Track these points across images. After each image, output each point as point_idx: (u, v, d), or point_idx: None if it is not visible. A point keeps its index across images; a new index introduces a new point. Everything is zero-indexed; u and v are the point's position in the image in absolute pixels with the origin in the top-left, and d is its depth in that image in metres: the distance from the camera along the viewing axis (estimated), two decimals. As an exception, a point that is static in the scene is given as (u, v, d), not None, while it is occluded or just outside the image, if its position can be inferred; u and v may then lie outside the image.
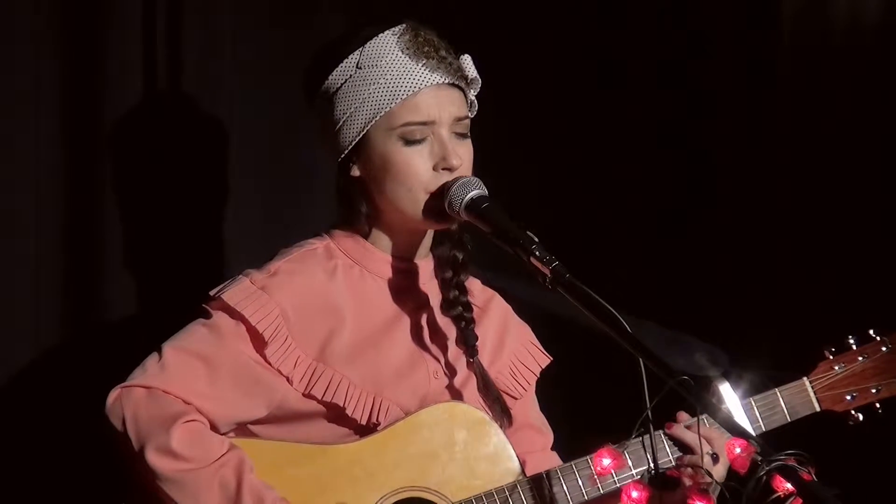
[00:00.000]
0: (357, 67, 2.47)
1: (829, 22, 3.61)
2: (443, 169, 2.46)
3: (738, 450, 2.15)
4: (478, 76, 2.55)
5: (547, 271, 2.29)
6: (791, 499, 2.07)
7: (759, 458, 2.05)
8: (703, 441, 2.41)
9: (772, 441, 2.14)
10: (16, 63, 2.91)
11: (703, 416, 2.44)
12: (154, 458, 2.31)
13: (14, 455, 2.88)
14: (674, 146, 3.59)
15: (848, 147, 3.56)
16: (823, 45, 3.62)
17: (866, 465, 3.25)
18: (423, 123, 2.46)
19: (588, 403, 3.32)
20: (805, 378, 2.57)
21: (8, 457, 2.89)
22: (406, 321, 2.55)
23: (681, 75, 3.60)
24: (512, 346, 2.67)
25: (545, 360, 2.70)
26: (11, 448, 2.89)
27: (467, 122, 2.52)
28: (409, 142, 2.46)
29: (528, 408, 2.69)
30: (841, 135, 3.57)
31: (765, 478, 2.04)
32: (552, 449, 2.69)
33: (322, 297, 2.49)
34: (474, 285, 2.65)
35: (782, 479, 2.05)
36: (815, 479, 2.03)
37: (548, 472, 2.47)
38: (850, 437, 2.65)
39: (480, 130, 2.57)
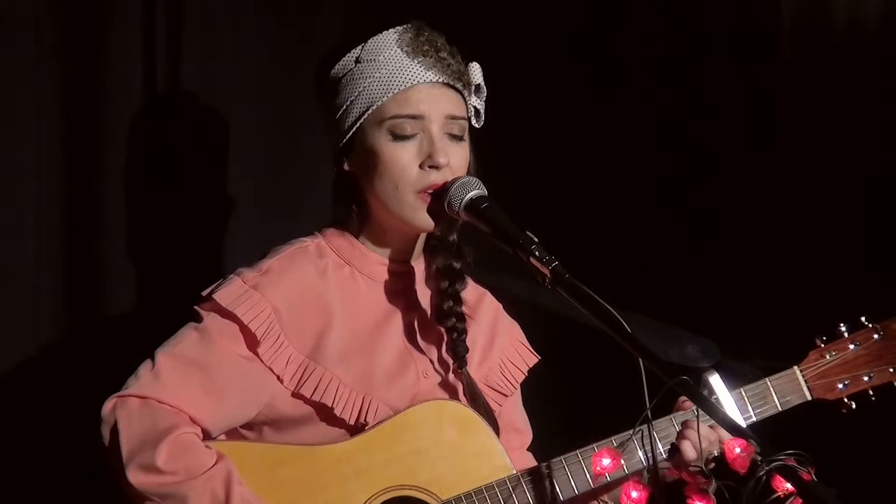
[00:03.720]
0: (356, 62, 2.49)
1: (829, 22, 3.62)
2: (429, 167, 2.46)
3: (737, 450, 2.15)
4: (483, 85, 2.55)
5: (546, 271, 2.29)
6: (791, 499, 2.07)
7: (759, 458, 2.05)
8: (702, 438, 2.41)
9: (767, 436, 2.13)
10: (16, 63, 2.91)
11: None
12: (140, 477, 2.31)
13: (14, 455, 2.88)
14: (674, 146, 3.60)
15: (847, 146, 3.56)
16: (823, 45, 3.62)
17: (865, 458, 3.26)
18: (412, 117, 2.46)
19: (584, 399, 3.32)
20: (795, 367, 2.56)
21: (8, 457, 2.89)
22: (396, 321, 2.56)
23: (681, 75, 3.60)
24: (501, 344, 2.68)
25: (533, 359, 2.71)
26: (11, 448, 2.89)
27: (463, 123, 2.52)
28: (397, 136, 2.47)
29: (512, 407, 2.69)
30: (840, 134, 3.57)
31: (765, 478, 2.04)
32: (528, 449, 2.70)
33: (314, 294, 2.49)
34: (466, 285, 2.64)
35: (782, 479, 2.05)
36: (815, 479, 2.02)
37: (548, 464, 2.47)
38: (848, 431, 2.65)
39: (480, 130, 2.57)
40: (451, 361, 2.58)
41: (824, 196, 3.55)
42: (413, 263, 2.59)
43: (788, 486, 2.05)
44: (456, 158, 2.48)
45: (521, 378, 2.69)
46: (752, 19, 3.63)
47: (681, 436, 2.43)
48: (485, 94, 2.57)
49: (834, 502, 1.99)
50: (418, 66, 2.47)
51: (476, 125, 2.56)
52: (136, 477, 2.31)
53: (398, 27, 2.51)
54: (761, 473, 2.04)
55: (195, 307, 2.46)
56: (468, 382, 2.57)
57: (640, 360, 2.15)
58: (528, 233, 2.35)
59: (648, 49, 3.60)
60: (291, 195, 3.20)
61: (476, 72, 2.55)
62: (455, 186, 2.44)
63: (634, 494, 2.26)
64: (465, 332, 2.56)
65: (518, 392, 2.71)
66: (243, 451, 2.40)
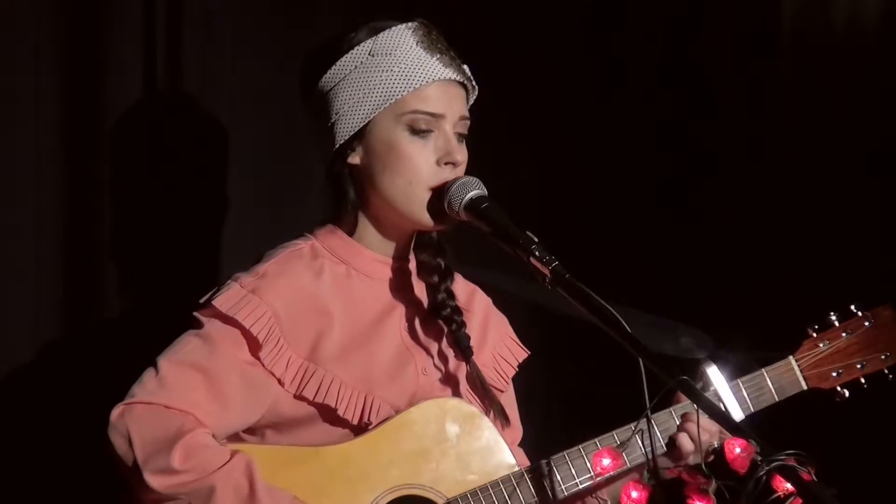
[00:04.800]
0: (370, 55, 2.48)
1: (829, 22, 3.62)
2: (446, 164, 2.46)
3: (738, 450, 2.15)
4: (476, 86, 2.56)
5: (547, 271, 2.30)
6: (791, 499, 2.07)
7: (759, 458, 2.05)
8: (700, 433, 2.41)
9: (768, 423, 2.14)
10: (16, 64, 2.91)
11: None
12: (159, 480, 2.30)
13: (14, 455, 2.88)
14: (674, 146, 3.60)
15: (846, 145, 3.57)
16: (823, 45, 3.62)
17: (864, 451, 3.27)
18: (431, 115, 2.46)
19: (582, 394, 3.33)
20: (791, 357, 2.58)
21: (8, 457, 2.89)
22: (393, 319, 2.55)
23: (681, 76, 3.61)
24: (493, 339, 2.68)
25: (523, 353, 2.71)
26: (11, 448, 2.89)
27: (468, 123, 2.52)
28: (415, 132, 2.46)
29: (505, 403, 2.68)
30: (839, 133, 3.58)
31: (765, 478, 2.05)
32: (519, 445, 2.69)
33: (310, 297, 2.48)
34: (457, 281, 2.64)
35: (782, 479, 2.05)
36: (815, 479, 2.03)
37: (551, 459, 2.47)
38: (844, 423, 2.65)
39: (481, 129, 2.58)
40: (451, 355, 2.58)
41: (823, 194, 3.56)
42: (407, 261, 2.59)
43: (788, 486, 2.05)
44: (464, 158, 2.49)
45: (512, 373, 2.69)
46: (752, 19, 3.63)
47: (680, 430, 2.44)
48: (475, 95, 2.57)
49: (834, 502, 1.99)
50: (437, 62, 2.47)
51: None
52: (155, 480, 2.30)
53: (407, 23, 2.50)
54: (761, 473, 2.04)
55: (194, 314, 2.46)
56: (477, 375, 2.57)
57: (640, 359, 2.15)
58: (528, 233, 2.35)
59: (648, 49, 3.61)
60: (291, 195, 3.20)
61: (468, 73, 2.55)
62: (455, 186, 2.44)
63: (634, 494, 2.27)
64: (464, 323, 2.56)
65: (510, 388, 2.71)
66: (248, 453, 2.38)
